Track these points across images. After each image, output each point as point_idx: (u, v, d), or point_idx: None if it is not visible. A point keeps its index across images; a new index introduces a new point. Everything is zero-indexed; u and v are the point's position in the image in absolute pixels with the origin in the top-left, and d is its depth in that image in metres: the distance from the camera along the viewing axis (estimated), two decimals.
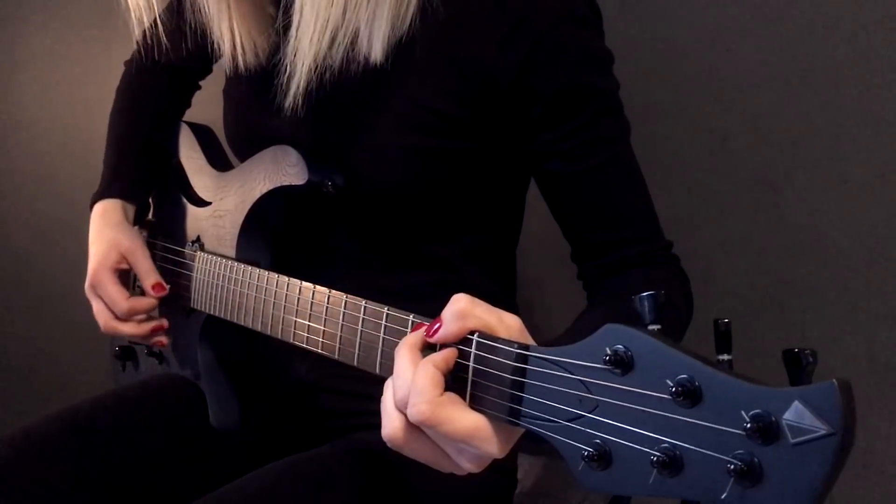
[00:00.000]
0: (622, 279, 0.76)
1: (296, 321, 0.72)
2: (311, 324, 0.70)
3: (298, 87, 0.75)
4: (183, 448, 0.89)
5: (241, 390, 0.91)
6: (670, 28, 1.09)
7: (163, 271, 1.00)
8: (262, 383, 0.92)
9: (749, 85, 1.04)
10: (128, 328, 0.94)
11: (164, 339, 0.97)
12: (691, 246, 1.05)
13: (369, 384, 0.84)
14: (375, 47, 0.74)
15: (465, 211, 0.83)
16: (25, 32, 1.63)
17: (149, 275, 0.94)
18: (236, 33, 0.84)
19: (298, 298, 0.72)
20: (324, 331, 0.68)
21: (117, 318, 0.93)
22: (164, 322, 0.96)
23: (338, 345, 0.65)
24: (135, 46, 1.11)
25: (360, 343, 0.62)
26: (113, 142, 1.05)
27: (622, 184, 0.76)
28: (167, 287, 0.94)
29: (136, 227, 1.04)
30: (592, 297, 0.80)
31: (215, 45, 0.86)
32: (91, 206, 1.00)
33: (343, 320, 0.65)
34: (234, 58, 0.85)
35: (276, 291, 0.76)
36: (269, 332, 0.77)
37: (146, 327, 0.95)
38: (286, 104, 0.76)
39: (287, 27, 0.76)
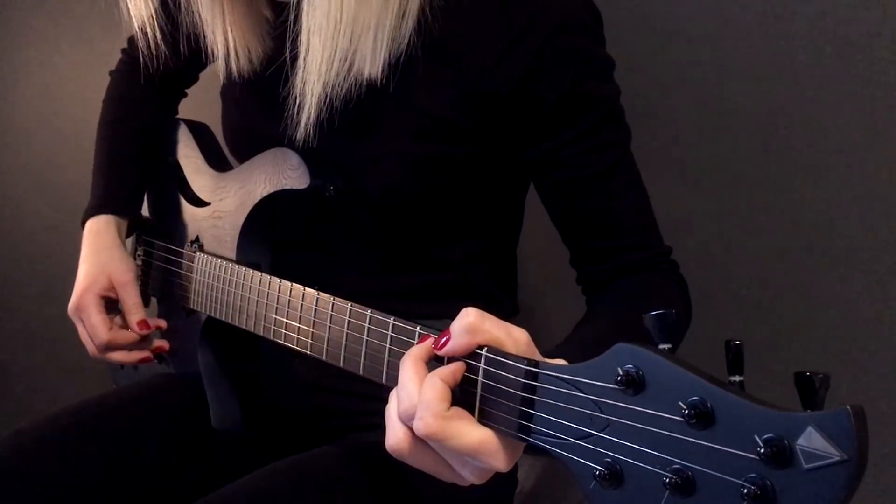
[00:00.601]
0: (621, 285, 0.77)
1: (299, 327, 0.72)
2: (314, 331, 0.70)
3: (309, 118, 0.74)
4: (183, 448, 0.89)
5: (242, 391, 0.91)
6: (672, 29, 1.08)
7: (162, 271, 1.00)
8: (263, 383, 0.92)
9: (752, 86, 1.04)
10: (116, 356, 0.94)
11: (164, 343, 0.97)
12: (692, 249, 1.06)
13: (370, 384, 0.84)
14: (375, 68, 0.73)
15: (466, 214, 0.83)
16: (26, 33, 1.62)
17: (136, 311, 0.94)
18: (230, 38, 0.83)
19: (301, 305, 0.72)
20: (328, 338, 0.67)
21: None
22: (150, 355, 0.96)
23: (343, 353, 0.65)
24: (120, 55, 1.10)
25: (365, 353, 0.62)
26: (104, 155, 1.03)
27: (622, 190, 0.77)
28: (152, 326, 0.94)
29: (131, 242, 1.04)
30: (592, 302, 0.80)
31: (209, 50, 0.86)
32: (83, 221, 0.99)
33: (347, 328, 0.65)
34: (227, 63, 0.85)
35: (278, 297, 0.75)
36: (270, 337, 0.76)
37: (136, 357, 0.95)
38: (298, 136, 0.76)
39: (295, 58, 0.75)
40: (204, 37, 0.85)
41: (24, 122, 1.66)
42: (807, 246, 1.03)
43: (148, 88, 1.06)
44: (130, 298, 0.94)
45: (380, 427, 0.84)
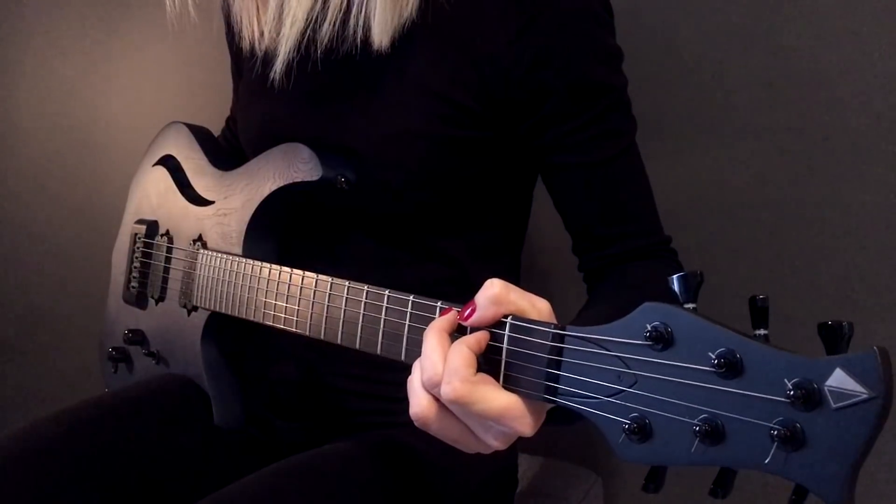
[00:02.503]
0: (623, 270, 0.78)
1: (311, 313, 0.72)
2: (328, 315, 0.70)
3: (287, 54, 0.78)
4: (183, 448, 0.88)
5: (244, 388, 0.91)
6: (674, 28, 1.10)
7: (162, 271, 1.00)
8: (266, 381, 0.92)
9: (751, 84, 1.06)
10: None
11: None
12: (692, 242, 1.07)
13: (375, 382, 0.85)
14: (375, 32, 0.75)
15: (473, 205, 0.84)
16: (24, 32, 1.62)
17: None
18: (253, 15, 0.84)
19: (315, 291, 0.72)
20: (343, 321, 0.68)
21: None
22: None
23: (359, 334, 0.66)
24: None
25: (383, 331, 0.63)
26: None
27: (627, 178, 0.79)
28: None
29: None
30: (593, 288, 0.82)
31: (235, 29, 0.87)
32: None
33: (364, 310, 0.65)
34: (252, 42, 0.85)
35: (289, 286, 0.76)
36: (281, 326, 0.77)
37: None
38: (271, 75, 0.80)
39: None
40: (231, 15, 0.87)
41: (21, 122, 1.65)
42: (807, 245, 1.05)
43: None
44: None
45: (384, 426, 0.85)
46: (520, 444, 0.91)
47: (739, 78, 1.07)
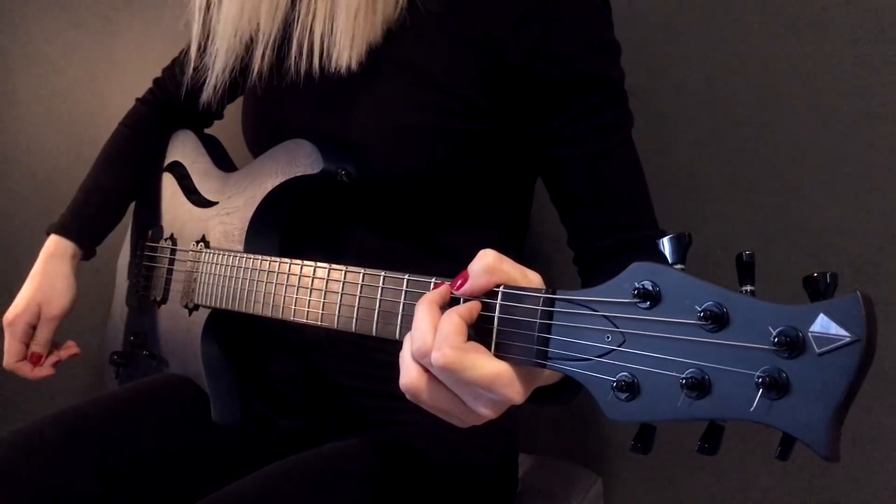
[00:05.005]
0: (617, 261, 0.78)
1: (309, 300, 0.73)
2: (325, 301, 0.71)
3: (218, 77, 0.87)
4: (183, 449, 0.89)
5: (243, 385, 0.91)
6: (673, 27, 1.11)
7: (165, 272, 1.01)
8: (266, 378, 0.92)
9: (751, 83, 1.07)
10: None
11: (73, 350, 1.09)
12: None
13: (376, 381, 0.85)
14: (334, 54, 0.79)
15: (475, 200, 0.85)
16: (24, 33, 1.63)
17: (40, 346, 1.04)
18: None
19: (313, 279, 0.73)
20: (340, 305, 0.68)
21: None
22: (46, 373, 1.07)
23: (355, 317, 0.66)
24: (151, 85, 1.14)
25: (378, 311, 0.63)
26: (93, 180, 1.09)
27: (623, 170, 0.79)
28: (43, 367, 1.05)
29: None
30: (587, 282, 0.82)
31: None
32: (49, 230, 1.05)
33: (361, 293, 0.66)
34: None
35: (288, 276, 0.77)
36: (280, 316, 0.77)
37: (34, 375, 1.06)
38: (202, 99, 0.89)
39: None
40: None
41: (20, 124, 1.66)
42: (808, 244, 1.04)
43: (165, 124, 1.11)
44: (43, 335, 1.04)
45: (386, 424, 0.85)
46: (520, 439, 0.91)
47: (739, 74, 1.07)
